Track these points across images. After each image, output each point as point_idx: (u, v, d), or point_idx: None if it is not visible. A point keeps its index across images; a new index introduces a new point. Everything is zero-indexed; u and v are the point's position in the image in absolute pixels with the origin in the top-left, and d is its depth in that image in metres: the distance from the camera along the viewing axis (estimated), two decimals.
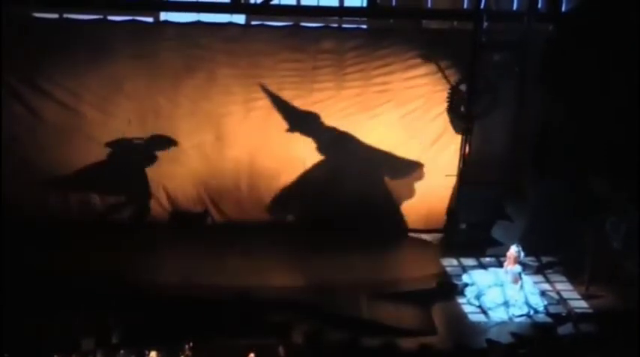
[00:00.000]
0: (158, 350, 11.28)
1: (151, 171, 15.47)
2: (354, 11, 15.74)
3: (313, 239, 15.23)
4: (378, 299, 13.62)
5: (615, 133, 14.53)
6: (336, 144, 15.59)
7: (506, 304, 13.74)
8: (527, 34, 14.87)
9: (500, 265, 14.46)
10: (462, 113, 15.30)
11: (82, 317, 12.15)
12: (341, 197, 15.68)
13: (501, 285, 13.93)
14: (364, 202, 15.73)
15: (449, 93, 15.34)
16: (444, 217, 15.86)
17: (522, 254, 14.13)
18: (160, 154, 15.39)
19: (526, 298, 13.80)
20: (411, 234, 15.96)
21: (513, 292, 13.82)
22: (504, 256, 14.26)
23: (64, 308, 12.55)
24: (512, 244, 14.26)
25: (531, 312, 13.70)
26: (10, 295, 12.64)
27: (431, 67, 15.45)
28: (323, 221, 15.62)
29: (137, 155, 15.35)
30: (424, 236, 15.92)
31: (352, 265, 14.70)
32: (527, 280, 14.17)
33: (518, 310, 13.67)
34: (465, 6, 15.71)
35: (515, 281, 13.93)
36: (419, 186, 15.85)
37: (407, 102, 15.54)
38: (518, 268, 14.05)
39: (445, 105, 15.42)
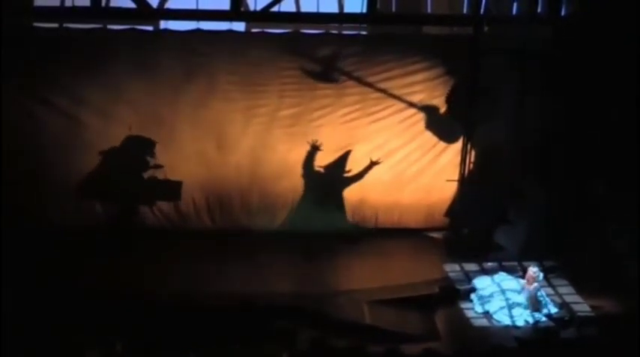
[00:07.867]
0: None
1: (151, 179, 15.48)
2: (354, 17, 15.71)
3: (315, 245, 15.19)
4: (381, 305, 13.62)
5: (616, 136, 14.55)
6: (338, 150, 15.60)
7: (510, 309, 13.72)
8: (527, 39, 14.90)
9: (503, 270, 14.48)
10: (463, 118, 15.32)
11: (87, 328, 12.13)
12: (341, 202, 15.68)
13: (504, 290, 13.92)
14: (364, 206, 15.78)
15: (449, 98, 15.34)
16: (445, 219, 15.89)
17: (541, 275, 13.80)
18: (160, 161, 15.41)
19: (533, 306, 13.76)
20: (411, 233, 15.97)
21: (517, 297, 13.80)
22: (507, 261, 14.23)
23: (68, 318, 12.52)
24: (515, 248, 14.23)
25: (539, 319, 13.64)
26: (12, 302, 12.62)
27: (431, 73, 15.48)
28: (324, 226, 15.61)
29: (137, 162, 15.37)
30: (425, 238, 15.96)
31: (354, 270, 14.73)
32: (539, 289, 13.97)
33: (524, 316, 13.63)
34: (465, 11, 15.75)
35: (533, 304, 13.66)
36: (419, 189, 15.89)
37: (407, 107, 15.55)
38: (536, 287, 13.76)
39: (445, 109, 15.45)
